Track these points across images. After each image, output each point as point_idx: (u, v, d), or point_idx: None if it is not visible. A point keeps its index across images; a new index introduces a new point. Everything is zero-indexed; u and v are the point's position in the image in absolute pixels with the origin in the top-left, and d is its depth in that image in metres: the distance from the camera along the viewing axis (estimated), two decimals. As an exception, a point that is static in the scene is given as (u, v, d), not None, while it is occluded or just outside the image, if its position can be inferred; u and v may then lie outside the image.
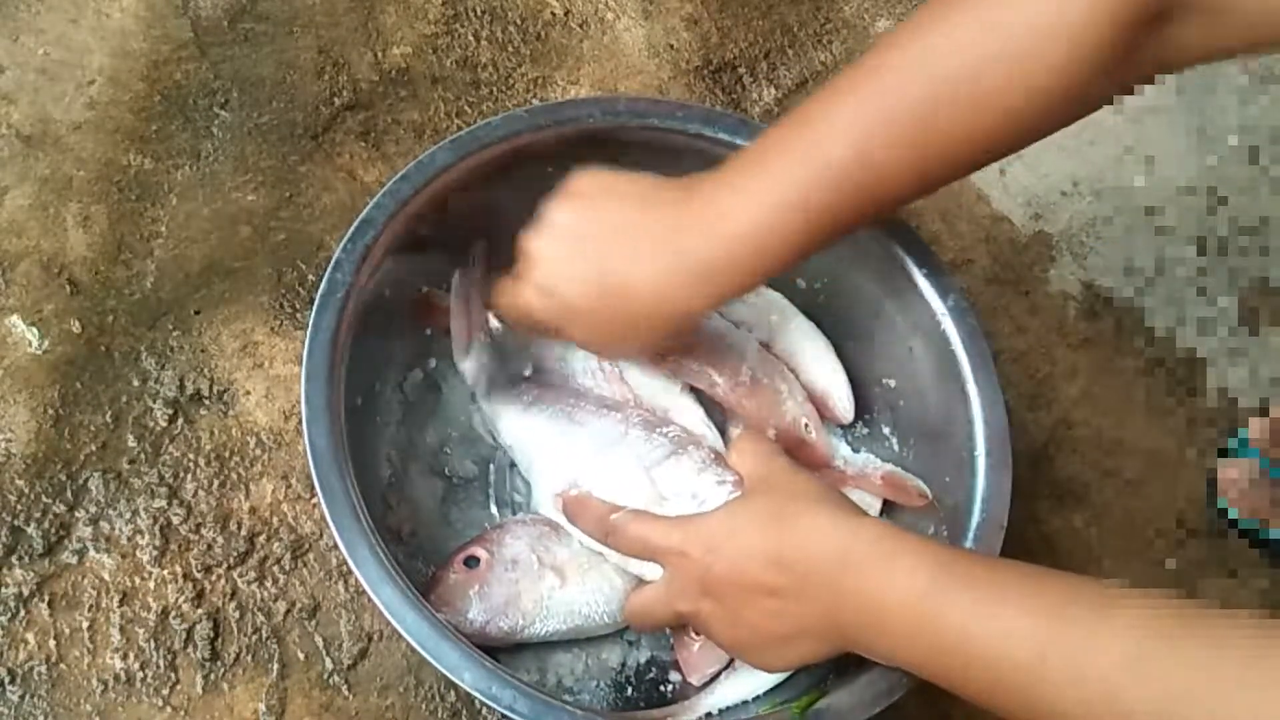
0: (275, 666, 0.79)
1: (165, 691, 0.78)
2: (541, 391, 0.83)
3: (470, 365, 0.82)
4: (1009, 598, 0.54)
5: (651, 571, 0.72)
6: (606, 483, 0.77)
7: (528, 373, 0.85)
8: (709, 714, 0.75)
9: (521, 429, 0.82)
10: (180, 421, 0.86)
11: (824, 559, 0.61)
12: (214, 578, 0.81)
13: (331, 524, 0.67)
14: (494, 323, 0.85)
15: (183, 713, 0.77)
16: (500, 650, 0.75)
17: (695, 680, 0.77)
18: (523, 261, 0.72)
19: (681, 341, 0.81)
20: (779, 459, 0.73)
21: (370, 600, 0.66)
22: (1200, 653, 0.48)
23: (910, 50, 0.62)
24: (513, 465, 0.84)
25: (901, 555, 0.59)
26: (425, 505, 0.82)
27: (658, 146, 0.85)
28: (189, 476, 0.84)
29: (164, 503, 0.83)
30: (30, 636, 0.78)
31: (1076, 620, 0.52)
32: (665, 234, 0.67)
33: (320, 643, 0.81)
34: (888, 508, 0.83)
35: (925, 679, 0.59)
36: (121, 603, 0.80)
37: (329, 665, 0.80)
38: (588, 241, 0.69)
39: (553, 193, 0.72)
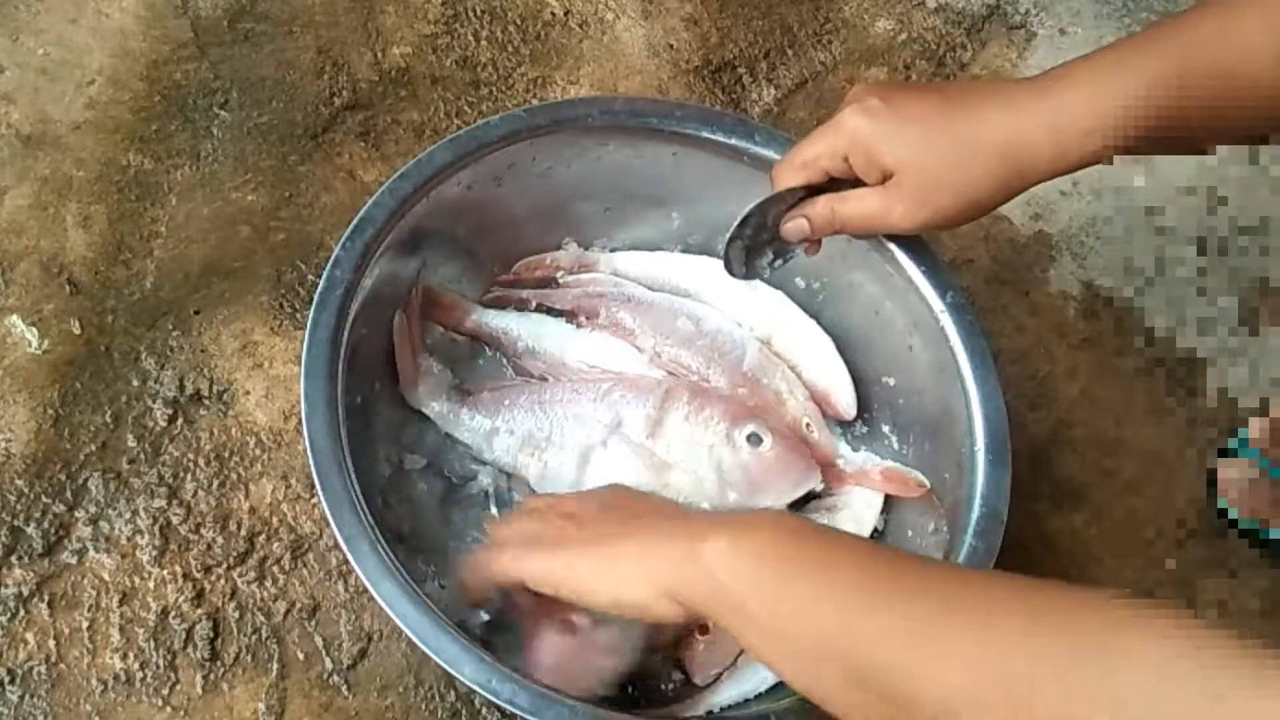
0: (275, 666, 0.79)
1: (165, 691, 0.78)
2: (499, 400, 0.83)
3: (422, 395, 0.83)
4: (825, 578, 0.54)
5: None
6: (611, 467, 0.78)
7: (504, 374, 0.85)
8: (709, 712, 0.75)
9: (504, 450, 0.82)
10: (180, 421, 0.86)
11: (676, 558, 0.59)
12: (214, 578, 0.81)
13: (331, 521, 0.67)
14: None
15: (183, 713, 0.77)
16: (500, 649, 0.75)
17: (700, 680, 0.76)
18: (845, 102, 0.70)
19: None
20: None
21: (370, 599, 0.66)
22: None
23: None
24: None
25: (738, 555, 0.56)
26: (425, 504, 0.82)
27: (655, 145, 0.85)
28: (189, 476, 0.84)
29: (164, 503, 0.83)
30: (30, 636, 0.78)
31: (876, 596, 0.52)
32: (1017, 90, 0.66)
33: (320, 643, 0.80)
34: (889, 502, 0.83)
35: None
36: (121, 603, 0.80)
37: (329, 665, 0.80)
38: (930, 86, 0.70)
39: None
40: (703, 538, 0.57)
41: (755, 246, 0.77)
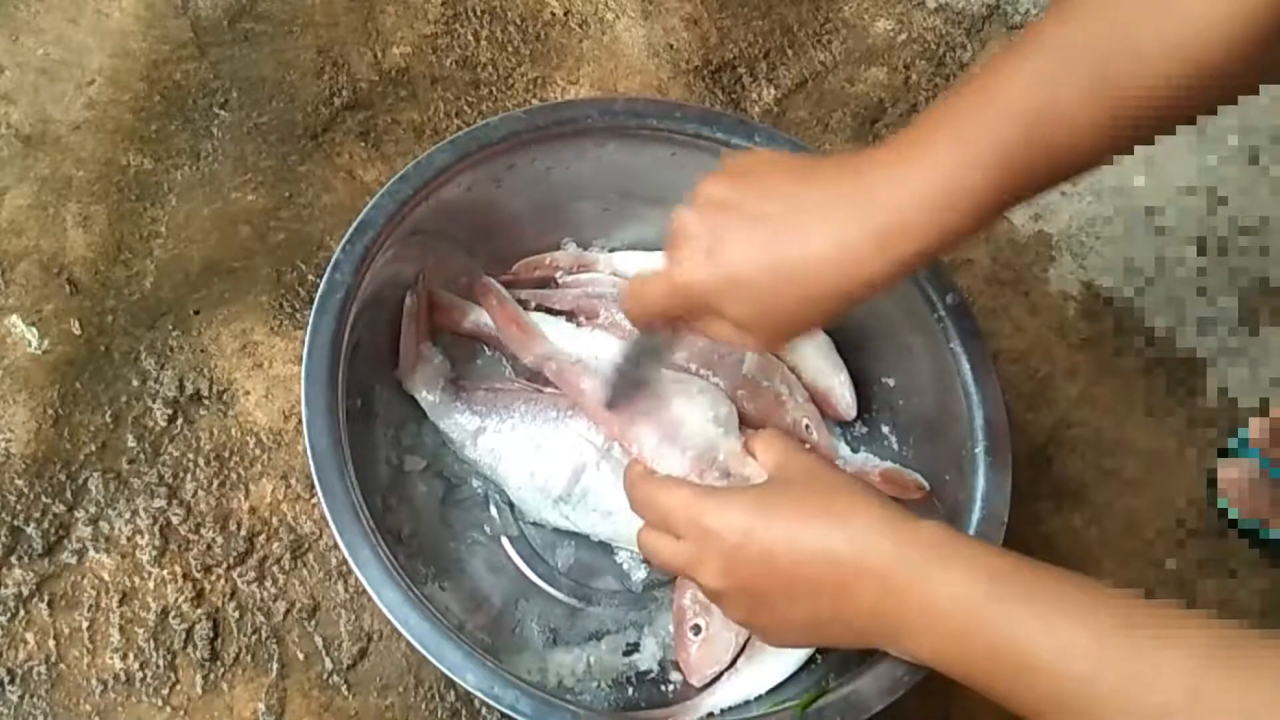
0: (275, 666, 0.79)
1: (165, 691, 0.78)
2: (492, 401, 0.83)
3: (418, 381, 0.83)
4: (1068, 613, 0.54)
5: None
6: (601, 488, 0.77)
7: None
8: (710, 714, 0.75)
9: (487, 450, 0.82)
10: (180, 421, 0.86)
11: (877, 557, 0.59)
12: (214, 578, 0.81)
13: (332, 525, 0.67)
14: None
15: (182, 713, 0.77)
16: (501, 651, 0.76)
17: (696, 682, 0.76)
18: (676, 238, 0.66)
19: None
20: (809, 453, 0.70)
21: (370, 600, 0.66)
22: (1263, 686, 0.47)
23: (1092, 4, 0.59)
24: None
25: (957, 560, 0.58)
26: (424, 506, 0.82)
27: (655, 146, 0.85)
28: (189, 476, 0.84)
29: (164, 503, 0.83)
30: (30, 636, 0.78)
31: (1137, 644, 0.51)
32: (841, 199, 0.63)
33: (320, 643, 0.81)
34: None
35: (965, 684, 0.58)
36: (121, 603, 0.80)
37: (329, 665, 0.80)
38: (756, 212, 0.64)
39: (707, 174, 0.67)
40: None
41: (641, 379, 0.77)
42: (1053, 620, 0.54)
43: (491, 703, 0.64)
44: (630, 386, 0.77)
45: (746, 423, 0.83)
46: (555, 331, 0.86)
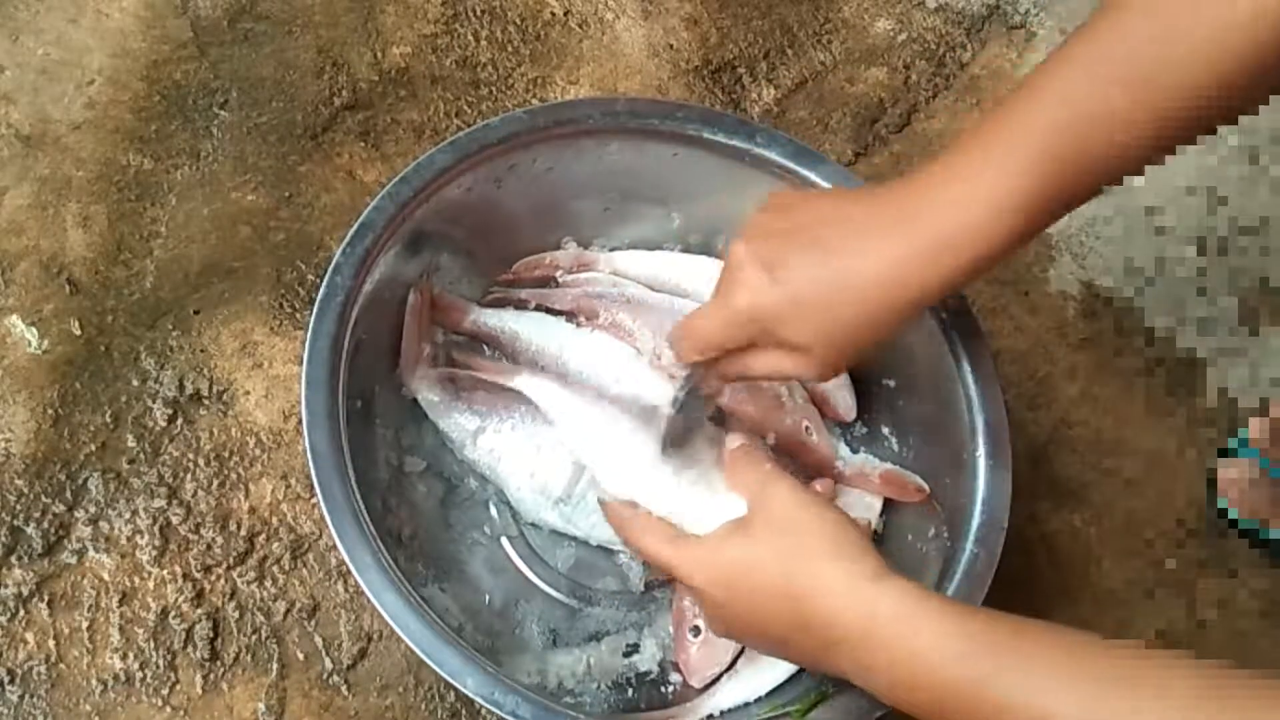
0: (275, 666, 0.79)
1: (165, 691, 0.78)
2: (493, 401, 0.83)
3: (418, 381, 0.82)
4: (1051, 672, 0.54)
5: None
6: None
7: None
8: (710, 715, 0.75)
9: (486, 450, 0.82)
10: (180, 421, 0.86)
11: (848, 627, 0.60)
12: (214, 578, 0.81)
13: (333, 530, 0.67)
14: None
15: (182, 713, 0.77)
16: (501, 652, 0.76)
17: (696, 683, 0.76)
18: (731, 269, 0.67)
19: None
20: (780, 482, 0.68)
21: (370, 601, 0.66)
22: None
23: (1130, 9, 0.60)
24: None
25: (928, 624, 0.58)
26: (425, 507, 0.82)
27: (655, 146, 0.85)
28: (188, 476, 0.84)
29: (163, 503, 0.83)
30: (30, 636, 0.78)
31: (1118, 701, 0.51)
32: (890, 216, 0.63)
33: (320, 643, 0.81)
34: (888, 506, 0.83)
35: None
36: (121, 603, 0.80)
37: (329, 665, 0.80)
38: (810, 235, 0.65)
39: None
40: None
41: (690, 424, 0.75)
42: (1034, 682, 0.54)
43: (492, 708, 0.64)
44: (682, 431, 0.75)
45: (746, 424, 0.83)
46: (555, 331, 0.86)
